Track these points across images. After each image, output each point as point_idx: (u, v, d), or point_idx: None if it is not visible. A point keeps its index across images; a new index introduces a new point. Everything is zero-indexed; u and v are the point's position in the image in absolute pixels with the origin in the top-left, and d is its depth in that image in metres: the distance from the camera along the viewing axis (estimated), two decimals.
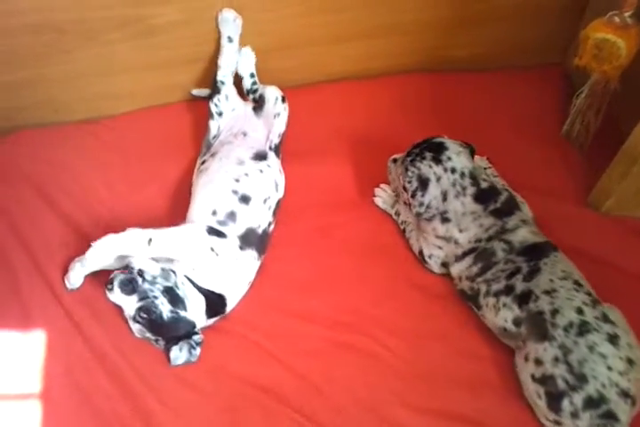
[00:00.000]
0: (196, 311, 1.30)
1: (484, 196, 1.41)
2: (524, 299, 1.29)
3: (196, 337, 1.30)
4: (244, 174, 1.44)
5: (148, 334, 1.30)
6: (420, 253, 1.50)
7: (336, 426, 1.24)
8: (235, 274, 1.37)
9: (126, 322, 1.32)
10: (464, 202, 1.41)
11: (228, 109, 1.63)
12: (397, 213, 1.58)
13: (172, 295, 1.27)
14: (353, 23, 1.81)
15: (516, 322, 1.29)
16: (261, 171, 1.48)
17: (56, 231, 1.51)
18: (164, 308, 1.26)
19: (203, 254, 1.32)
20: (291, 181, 1.59)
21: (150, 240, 1.29)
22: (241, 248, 1.37)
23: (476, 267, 1.39)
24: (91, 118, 1.79)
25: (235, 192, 1.41)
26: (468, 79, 1.93)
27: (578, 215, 1.60)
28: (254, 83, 1.68)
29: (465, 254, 1.41)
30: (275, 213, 1.49)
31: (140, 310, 1.26)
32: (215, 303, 1.33)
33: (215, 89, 1.65)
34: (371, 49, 1.90)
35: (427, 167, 1.41)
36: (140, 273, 1.26)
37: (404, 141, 1.59)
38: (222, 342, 1.34)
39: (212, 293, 1.33)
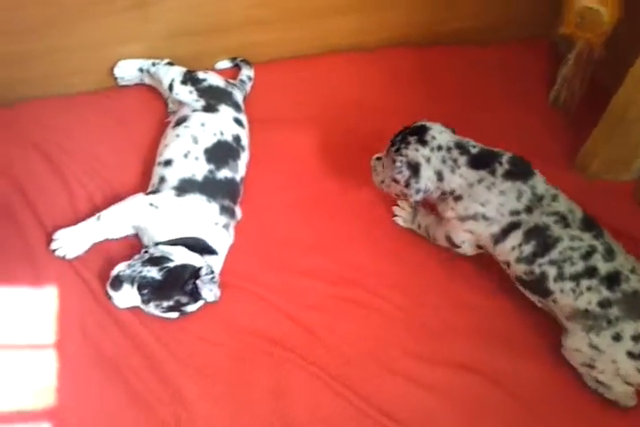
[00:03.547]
0: (182, 256, 1.35)
1: (479, 160, 1.36)
2: (613, 281, 1.25)
3: (206, 276, 1.33)
4: (164, 145, 1.57)
5: (167, 303, 1.32)
6: (450, 241, 1.44)
7: (343, 375, 1.30)
8: (186, 216, 1.43)
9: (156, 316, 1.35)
10: (462, 173, 1.35)
11: None
12: (419, 227, 1.54)
13: (152, 260, 1.33)
14: None
15: (603, 304, 1.24)
16: (177, 135, 1.56)
17: (61, 195, 1.55)
18: (153, 272, 1.31)
19: (146, 212, 1.41)
20: (278, 149, 1.67)
21: (99, 217, 1.43)
22: (178, 195, 1.44)
23: (530, 246, 1.31)
24: (93, 90, 1.82)
25: (158, 163, 1.54)
26: (458, 52, 2.00)
27: (565, 179, 1.66)
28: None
29: (506, 232, 1.33)
30: (212, 161, 1.51)
31: (138, 290, 1.30)
32: (195, 244, 1.39)
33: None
34: (363, 23, 1.96)
35: (413, 151, 1.37)
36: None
37: (394, 113, 1.66)
38: (230, 297, 1.38)
39: (184, 238, 1.39)
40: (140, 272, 1.31)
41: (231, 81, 1.76)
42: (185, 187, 1.45)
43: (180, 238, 1.38)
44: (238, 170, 1.55)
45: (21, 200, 1.52)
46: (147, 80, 1.80)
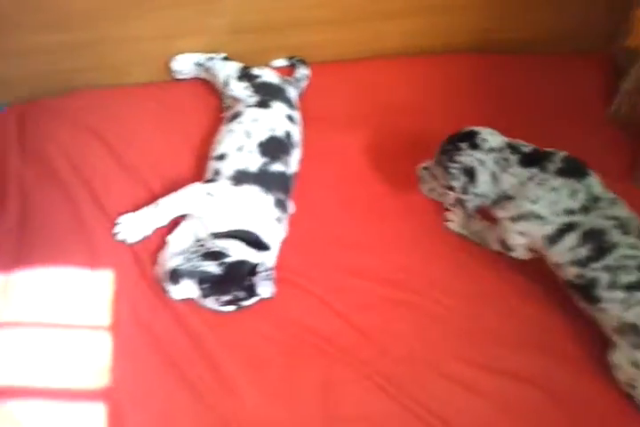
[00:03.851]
0: (239, 252, 1.36)
1: (530, 158, 1.34)
2: None
3: (263, 273, 1.34)
4: (217, 141, 1.59)
5: (225, 297, 1.33)
6: (503, 245, 1.42)
7: (393, 376, 1.30)
8: (242, 206, 1.44)
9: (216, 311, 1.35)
10: (513, 172, 1.34)
11: None
12: (472, 233, 1.53)
13: (210, 254, 1.34)
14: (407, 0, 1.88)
15: None
16: (231, 130, 1.58)
17: (120, 181, 1.58)
18: (212, 267, 1.32)
19: (202, 200, 1.43)
20: (330, 148, 1.68)
21: (157, 204, 1.45)
22: (234, 184, 1.46)
23: (585, 249, 1.27)
24: (149, 81, 1.85)
25: (212, 157, 1.56)
26: (512, 62, 1.99)
27: (623, 192, 1.63)
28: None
29: (562, 233, 1.29)
30: (266, 154, 1.52)
31: (199, 284, 1.31)
32: (249, 238, 1.40)
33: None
34: (417, 28, 1.97)
35: (467, 157, 1.35)
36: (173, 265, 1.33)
37: (444, 120, 1.65)
38: (282, 292, 1.39)
39: (239, 231, 1.40)
40: (199, 267, 1.31)
41: (286, 78, 1.78)
42: (240, 177, 1.47)
43: (236, 231, 1.39)
44: (290, 165, 1.56)
45: (80, 184, 1.56)
46: (202, 74, 1.83)
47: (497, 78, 1.96)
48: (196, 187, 1.47)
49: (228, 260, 1.33)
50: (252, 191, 1.46)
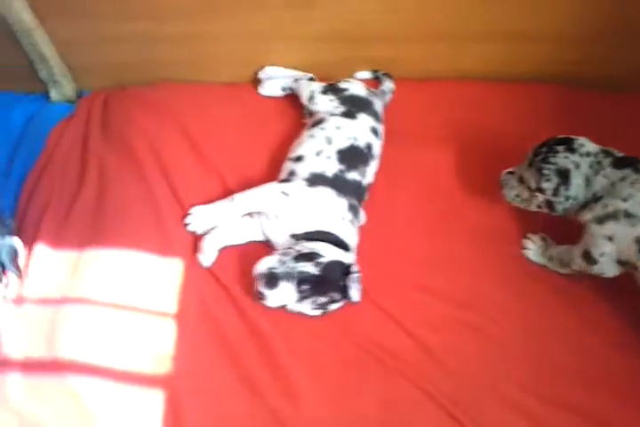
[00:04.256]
0: (330, 252, 1.35)
1: (623, 161, 1.34)
2: None
3: (355, 274, 1.33)
4: (297, 144, 1.61)
5: (322, 299, 1.31)
6: (587, 258, 1.36)
7: (454, 396, 1.27)
8: (317, 207, 1.44)
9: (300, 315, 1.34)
10: (606, 174, 1.33)
11: None
12: (551, 259, 1.50)
13: (303, 255, 1.33)
14: (495, 22, 1.84)
15: None
16: (312, 135, 1.59)
17: (197, 172, 1.60)
18: (309, 267, 1.31)
19: (277, 199, 1.43)
20: (406, 163, 1.68)
21: (233, 199, 1.46)
22: (309, 186, 1.46)
23: None
24: (233, 81, 1.87)
25: (289, 159, 1.58)
26: (598, 98, 1.96)
27: None
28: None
29: None
30: (344, 161, 1.52)
31: (298, 286, 1.29)
32: (331, 239, 1.39)
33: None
34: (508, 53, 1.95)
35: (563, 159, 1.36)
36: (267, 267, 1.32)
37: (521, 142, 1.59)
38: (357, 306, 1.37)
39: (320, 232, 1.40)
40: (295, 268, 1.30)
41: (373, 90, 1.79)
42: (315, 180, 1.48)
43: (317, 232, 1.39)
44: (366, 176, 1.56)
45: (159, 172, 1.58)
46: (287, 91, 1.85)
47: (579, 112, 1.93)
48: (272, 186, 1.48)
49: (322, 260, 1.32)
50: (326, 193, 1.46)
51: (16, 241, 1.34)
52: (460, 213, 1.60)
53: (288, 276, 1.29)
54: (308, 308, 1.32)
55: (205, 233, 1.46)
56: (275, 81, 1.83)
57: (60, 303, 1.33)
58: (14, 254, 1.26)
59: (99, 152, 1.64)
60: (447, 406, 1.25)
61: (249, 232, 1.48)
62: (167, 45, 1.80)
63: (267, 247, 1.47)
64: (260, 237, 1.48)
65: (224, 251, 1.45)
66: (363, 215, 1.54)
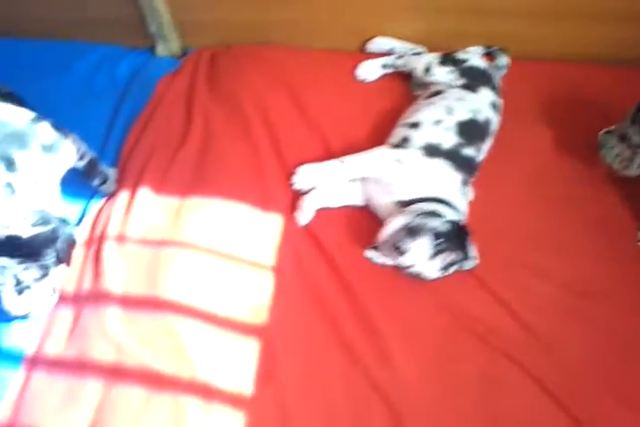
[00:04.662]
0: (448, 213, 1.31)
1: None
2: None
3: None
4: (413, 110, 1.55)
5: (451, 257, 1.27)
6: None
7: (565, 386, 1.20)
8: (431, 178, 1.39)
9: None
10: None
11: None
12: None
13: (430, 213, 1.29)
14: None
15: None
16: (431, 103, 1.54)
17: (302, 133, 1.58)
18: (437, 222, 1.26)
19: (390, 166, 1.38)
20: (516, 143, 1.59)
21: (343, 161, 1.41)
22: (426, 156, 1.40)
23: None
24: (341, 48, 1.84)
25: (403, 124, 1.52)
26: None
27: None
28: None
29: None
30: (462, 135, 1.45)
31: (436, 238, 1.24)
32: (442, 202, 1.35)
33: None
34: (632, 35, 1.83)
35: None
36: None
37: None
38: (455, 278, 1.31)
39: (435, 198, 1.36)
40: (427, 224, 1.25)
41: (490, 64, 1.71)
42: (432, 151, 1.42)
43: (432, 198, 1.34)
44: (480, 152, 1.50)
45: (264, 129, 1.57)
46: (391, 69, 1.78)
47: None
48: (385, 151, 1.43)
49: (452, 217, 1.28)
50: (443, 166, 1.40)
51: (76, 232, 1.34)
52: (573, 196, 1.51)
53: (425, 229, 1.24)
54: (436, 267, 1.27)
55: (307, 192, 1.43)
56: (375, 61, 1.77)
57: (161, 245, 1.34)
58: (71, 244, 1.28)
59: (205, 106, 1.64)
60: (558, 396, 1.17)
61: (348, 196, 1.44)
62: (277, 7, 1.79)
63: (363, 212, 1.43)
64: (359, 202, 1.44)
65: (322, 212, 1.42)
66: (471, 193, 1.47)
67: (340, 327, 1.23)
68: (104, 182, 1.48)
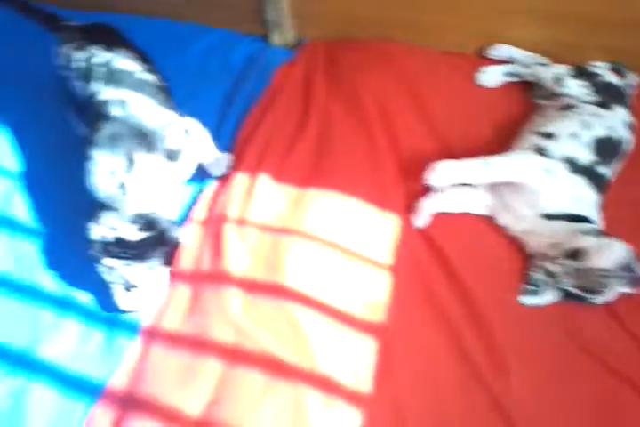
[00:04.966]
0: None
1: None
2: None
3: None
4: (546, 119, 1.50)
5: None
6: None
7: None
8: (575, 194, 1.35)
9: None
10: None
11: None
12: None
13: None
14: None
15: None
16: (565, 116, 1.48)
17: (421, 132, 1.56)
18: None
19: (539, 175, 1.33)
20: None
21: (488, 163, 1.34)
22: (571, 171, 1.36)
23: None
24: (454, 51, 1.81)
25: (535, 132, 1.47)
26: None
27: None
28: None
29: None
30: (599, 153, 1.39)
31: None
32: (589, 221, 1.32)
33: None
34: None
35: None
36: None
37: None
38: None
39: (577, 216, 1.33)
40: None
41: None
42: (573, 166, 1.37)
43: (580, 216, 1.32)
44: (613, 172, 1.46)
45: (383, 126, 1.57)
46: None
47: None
48: (533, 158, 1.37)
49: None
50: (585, 184, 1.36)
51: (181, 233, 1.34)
52: None
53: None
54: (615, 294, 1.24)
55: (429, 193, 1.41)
56: (497, 68, 1.74)
57: (282, 233, 1.35)
58: (176, 247, 1.30)
59: (323, 99, 1.65)
60: None
61: (469, 203, 1.42)
62: (395, 4, 1.76)
63: (482, 219, 1.41)
64: (480, 211, 1.42)
65: (440, 216, 1.40)
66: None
67: (457, 335, 1.22)
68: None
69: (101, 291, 1.28)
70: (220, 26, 1.96)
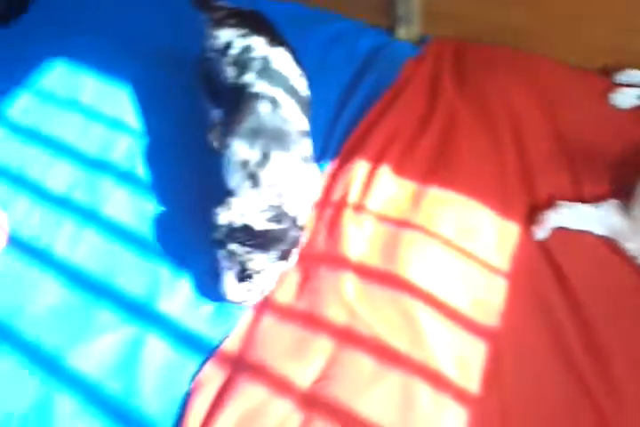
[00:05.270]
0: None
1: None
2: None
3: None
4: None
5: None
6: None
7: None
8: None
9: None
10: None
11: None
12: None
13: None
14: None
15: None
16: None
17: (548, 147, 1.53)
18: None
19: None
20: None
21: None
22: None
23: None
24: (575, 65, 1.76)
25: None
26: None
27: None
28: None
29: None
30: None
31: None
32: None
33: None
34: None
35: None
36: None
37: None
38: None
39: None
40: None
41: None
42: None
43: None
44: None
45: (511, 135, 1.55)
46: None
47: None
48: None
49: None
50: None
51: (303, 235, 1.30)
52: None
53: None
54: None
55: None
56: (632, 91, 1.67)
57: (401, 226, 1.37)
58: (296, 246, 1.27)
59: (449, 98, 1.64)
60: None
61: (595, 222, 1.37)
62: (522, 11, 1.73)
63: (606, 243, 1.36)
64: (604, 232, 1.37)
65: (560, 231, 1.37)
66: None
67: (568, 350, 1.20)
68: None
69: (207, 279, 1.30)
70: (347, 15, 1.98)
